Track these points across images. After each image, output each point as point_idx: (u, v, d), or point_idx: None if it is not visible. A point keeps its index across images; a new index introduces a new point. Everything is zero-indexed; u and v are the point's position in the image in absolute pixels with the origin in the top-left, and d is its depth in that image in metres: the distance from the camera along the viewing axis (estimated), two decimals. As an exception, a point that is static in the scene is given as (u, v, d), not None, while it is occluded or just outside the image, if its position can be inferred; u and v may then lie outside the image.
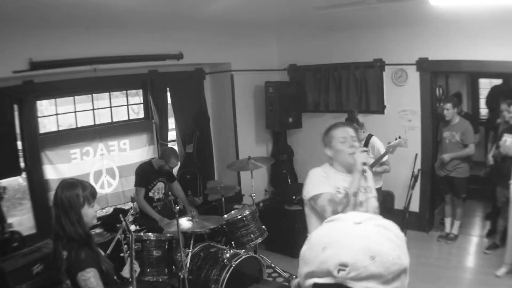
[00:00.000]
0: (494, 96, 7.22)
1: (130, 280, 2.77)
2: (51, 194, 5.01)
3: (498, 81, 7.88)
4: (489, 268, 4.98)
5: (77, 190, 2.50)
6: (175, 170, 6.39)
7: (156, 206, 5.13)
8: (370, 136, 5.02)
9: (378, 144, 4.95)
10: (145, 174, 5.13)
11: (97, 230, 5.13)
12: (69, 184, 2.54)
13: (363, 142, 4.89)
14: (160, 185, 5.23)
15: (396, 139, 4.65)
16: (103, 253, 2.72)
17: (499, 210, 5.44)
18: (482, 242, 5.75)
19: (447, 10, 4.57)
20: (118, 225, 3.60)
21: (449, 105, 5.55)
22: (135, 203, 5.08)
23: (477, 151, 6.20)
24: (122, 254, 3.71)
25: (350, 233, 0.99)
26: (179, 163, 5.66)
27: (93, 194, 2.58)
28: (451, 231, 5.88)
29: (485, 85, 8.48)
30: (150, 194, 5.10)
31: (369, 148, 4.86)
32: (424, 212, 6.15)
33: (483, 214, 6.68)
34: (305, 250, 1.04)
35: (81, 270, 2.40)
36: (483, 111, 8.51)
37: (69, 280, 2.46)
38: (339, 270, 0.94)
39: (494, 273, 4.84)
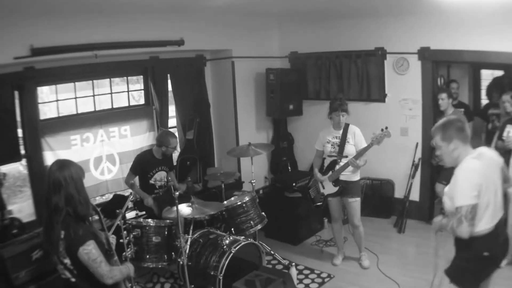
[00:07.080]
0: (494, 87, 7.18)
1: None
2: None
3: (500, 72, 7.83)
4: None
5: (77, 165, 2.73)
6: (175, 157, 6.41)
7: (158, 193, 5.12)
8: (347, 124, 4.86)
9: (358, 130, 4.83)
10: (143, 163, 5.10)
11: (97, 217, 5.12)
12: (68, 161, 2.75)
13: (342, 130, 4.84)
14: (162, 174, 5.19)
15: (382, 130, 4.56)
16: None
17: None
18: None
19: (450, 0, 4.54)
20: (117, 211, 3.63)
21: (444, 95, 5.52)
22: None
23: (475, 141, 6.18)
24: (121, 240, 3.74)
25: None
26: (178, 141, 5.65)
27: (83, 172, 2.79)
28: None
29: (487, 76, 8.42)
30: (151, 181, 5.10)
31: (349, 136, 4.78)
32: (425, 201, 6.15)
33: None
34: None
35: (81, 245, 2.51)
36: (485, 102, 8.46)
37: (68, 258, 2.55)
38: None
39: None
